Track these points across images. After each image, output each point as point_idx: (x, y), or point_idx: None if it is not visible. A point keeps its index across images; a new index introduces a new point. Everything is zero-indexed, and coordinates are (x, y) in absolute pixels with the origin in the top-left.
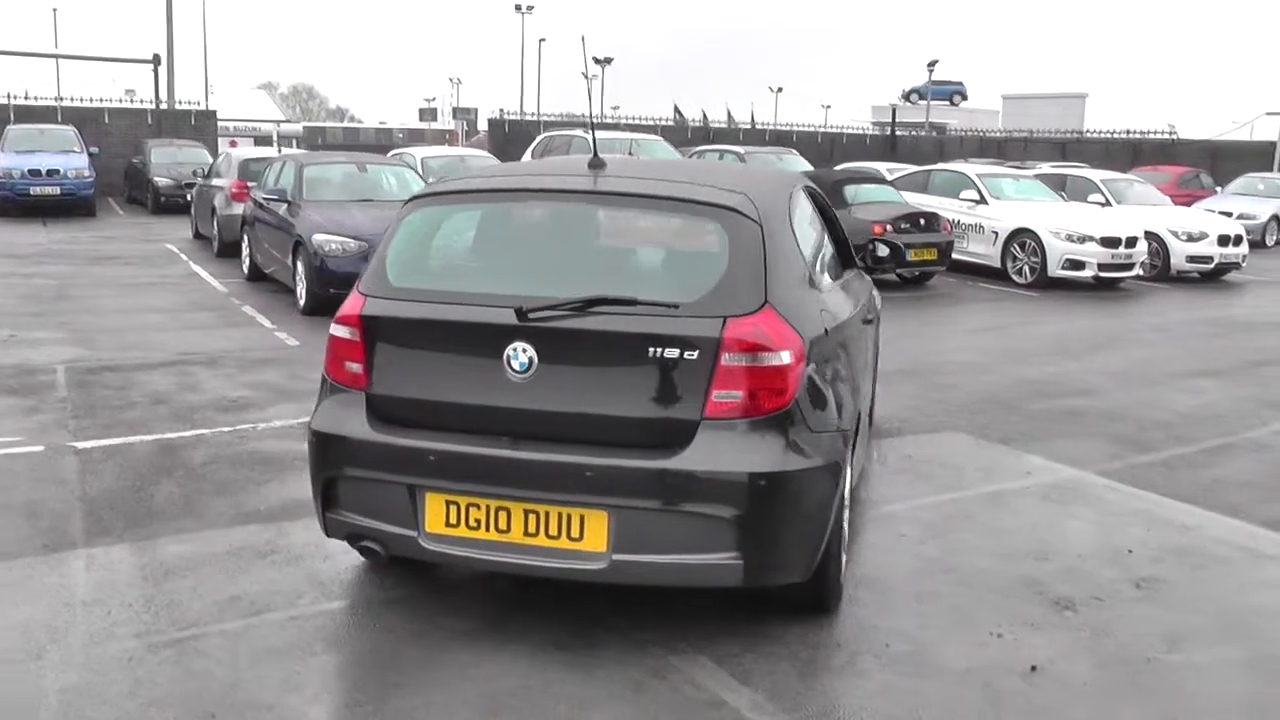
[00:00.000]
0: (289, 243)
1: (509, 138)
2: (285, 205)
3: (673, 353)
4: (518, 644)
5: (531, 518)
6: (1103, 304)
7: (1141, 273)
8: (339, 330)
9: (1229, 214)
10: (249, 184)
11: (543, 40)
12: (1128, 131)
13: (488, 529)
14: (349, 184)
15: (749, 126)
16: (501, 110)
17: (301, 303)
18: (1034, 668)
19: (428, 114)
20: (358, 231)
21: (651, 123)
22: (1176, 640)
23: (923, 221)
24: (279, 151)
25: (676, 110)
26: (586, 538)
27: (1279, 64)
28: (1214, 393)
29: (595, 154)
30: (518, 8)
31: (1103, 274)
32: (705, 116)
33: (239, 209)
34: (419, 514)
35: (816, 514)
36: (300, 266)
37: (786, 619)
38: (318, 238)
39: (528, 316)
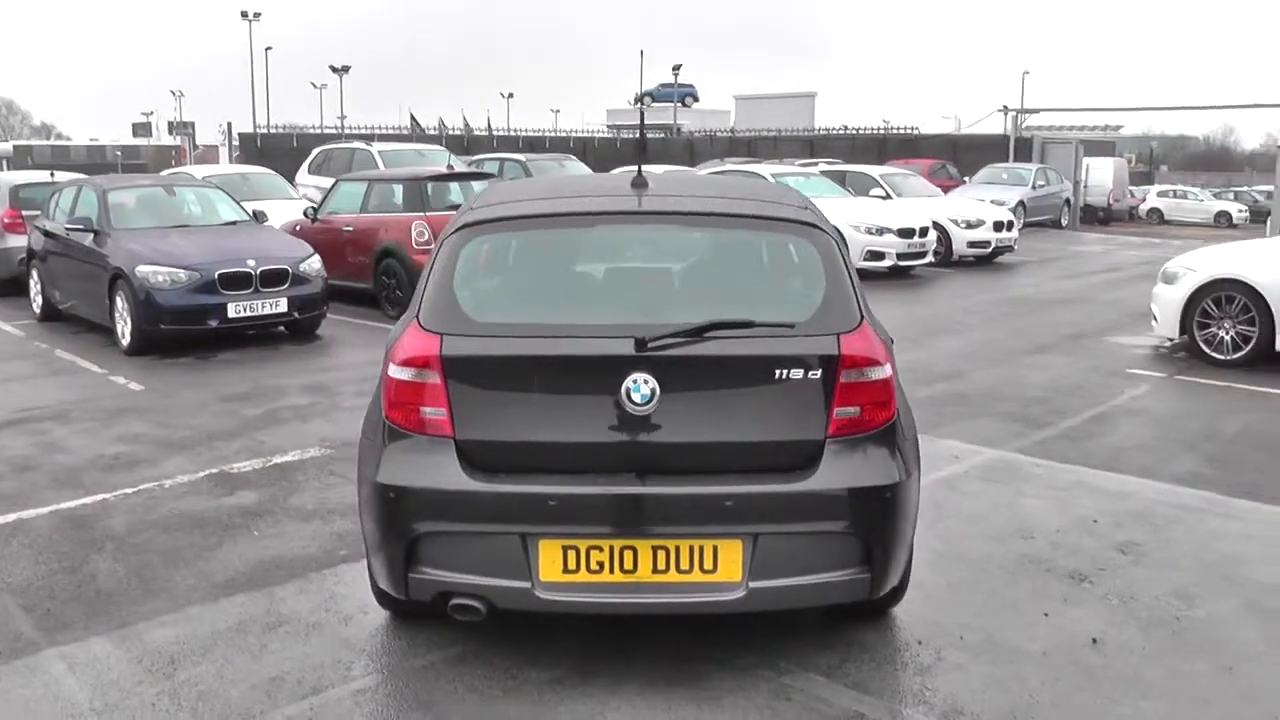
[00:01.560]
0: (103, 276)
1: (263, 151)
2: (92, 235)
3: (796, 373)
4: (624, 686)
5: (661, 554)
6: (907, 292)
7: (932, 260)
8: (406, 374)
9: (982, 201)
10: (24, 213)
11: (269, 49)
12: (873, 128)
13: (612, 571)
14: (159, 209)
15: (486, 133)
16: (229, 123)
17: (125, 342)
18: (1095, 640)
19: (142, 129)
20: (186, 261)
21: (386, 132)
22: (1188, 597)
23: None
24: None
25: (413, 119)
26: (721, 568)
27: (998, 64)
28: (1060, 367)
29: (640, 173)
30: (244, 15)
31: (900, 263)
32: (442, 124)
33: (14, 241)
34: (532, 563)
35: (915, 518)
36: (121, 302)
37: (853, 624)
38: (142, 270)
39: (647, 346)
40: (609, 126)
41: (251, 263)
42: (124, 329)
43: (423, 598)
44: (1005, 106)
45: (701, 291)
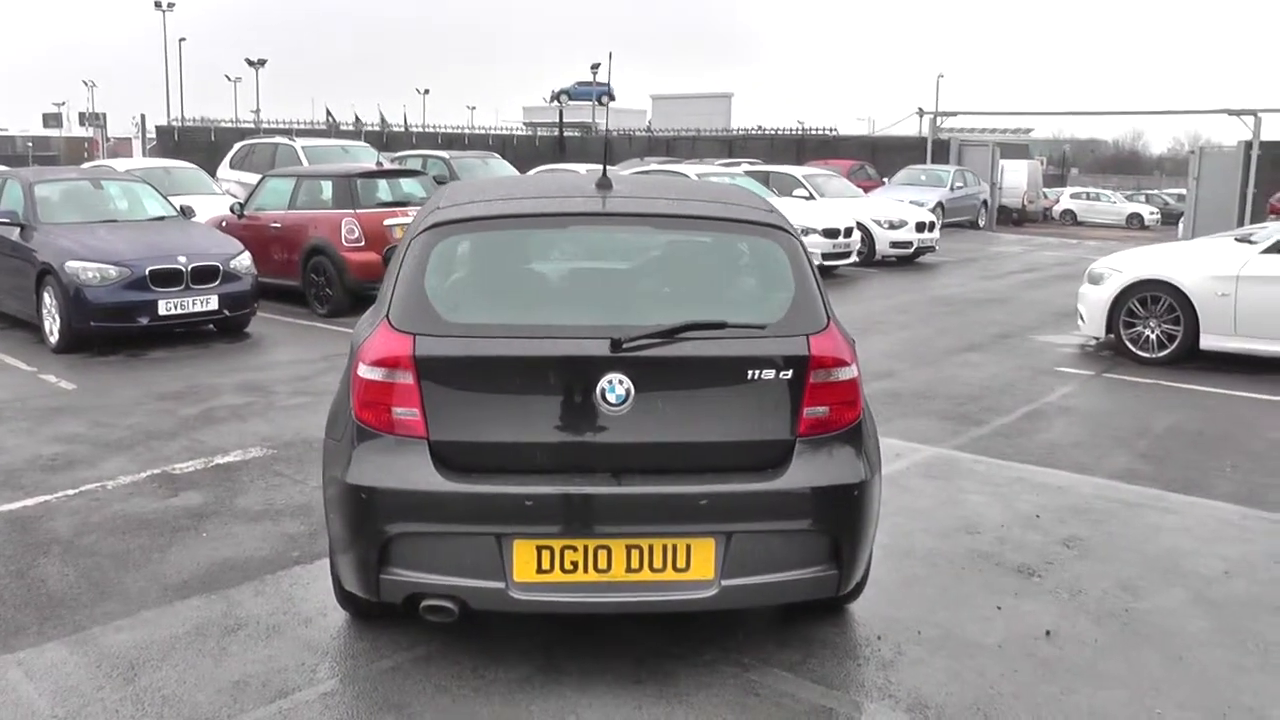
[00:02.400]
0: (30, 272)
1: (180, 145)
2: (18, 230)
3: (768, 373)
4: (593, 685)
5: (635, 553)
6: (833, 291)
7: (856, 260)
8: (375, 374)
9: (902, 202)
10: None
11: (183, 40)
12: (791, 129)
13: (586, 570)
14: (87, 203)
15: (403, 129)
16: (142, 115)
17: (54, 340)
18: (1049, 632)
19: (53, 120)
20: (118, 257)
21: (301, 126)
22: (1133, 590)
23: None
24: None
25: (329, 114)
26: (694, 567)
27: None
28: (989, 365)
29: (604, 174)
30: (158, 5)
31: (825, 263)
32: (358, 119)
33: None
34: (506, 564)
35: (878, 515)
36: (49, 299)
37: (811, 620)
38: (72, 265)
39: (623, 346)
40: (526, 124)
41: (182, 259)
42: (52, 326)
43: (394, 599)
44: (920, 109)
45: (673, 293)
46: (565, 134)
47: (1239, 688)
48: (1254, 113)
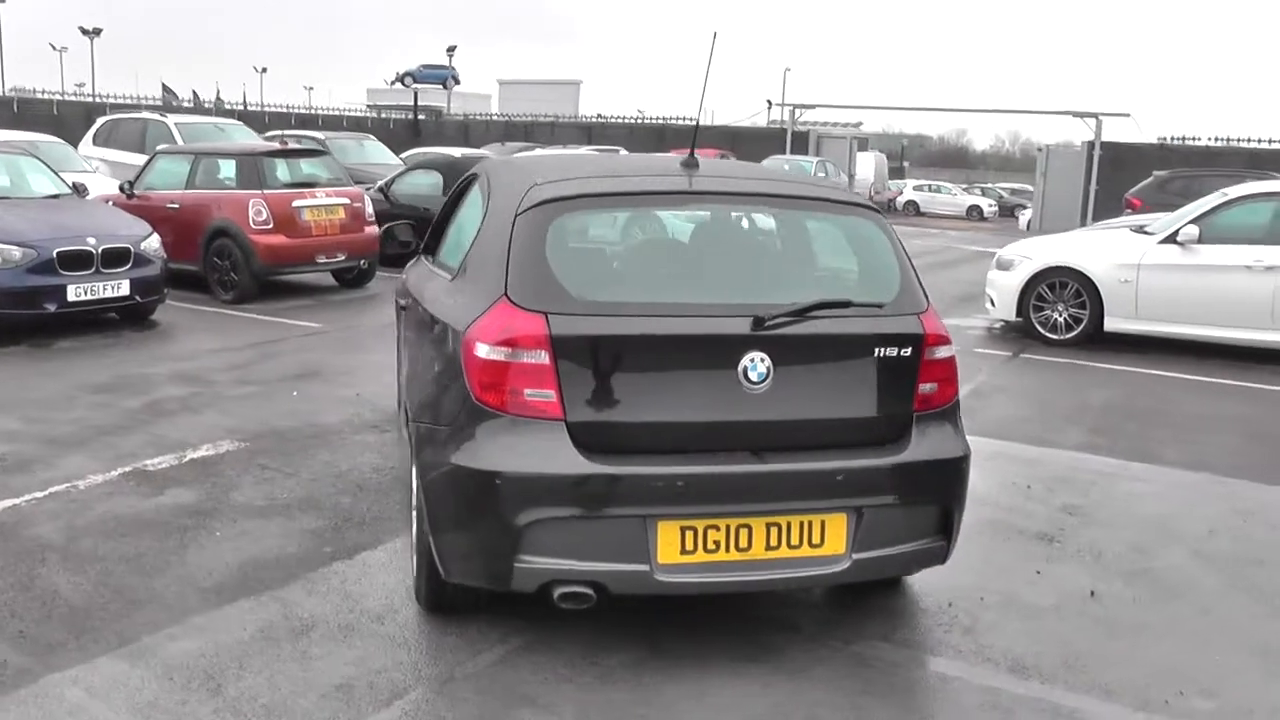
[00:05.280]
0: None
1: (20, 118)
2: None
3: (891, 351)
4: (712, 665)
5: (774, 531)
6: None
7: None
8: (500, 354)
9: None
10: None
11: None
12: (653, 117)
13: (728, 549)
14: None
15: (241, 108)
16: None
17: None
18: (1092, 593)
19: None
20: (20, 237)
21: (135, 101)
22: (1143, 550)
23: None
24: None
25: (165, 89)
26: (828, 542)
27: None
28: None
29: (692, 154)
30: None
31: None
32: (196, 96)
33: None
34: (650, 546)
35: None
36: None
37: (874, 594)
38: None
39: (765, 325)
40: (369, 106)
41: (92, 241)
42: None
43: (526, 588)
44: (770, 101)
45: (792, 271)
46: (419, 117)
47: (1267, 633)
48: (1095, 115)
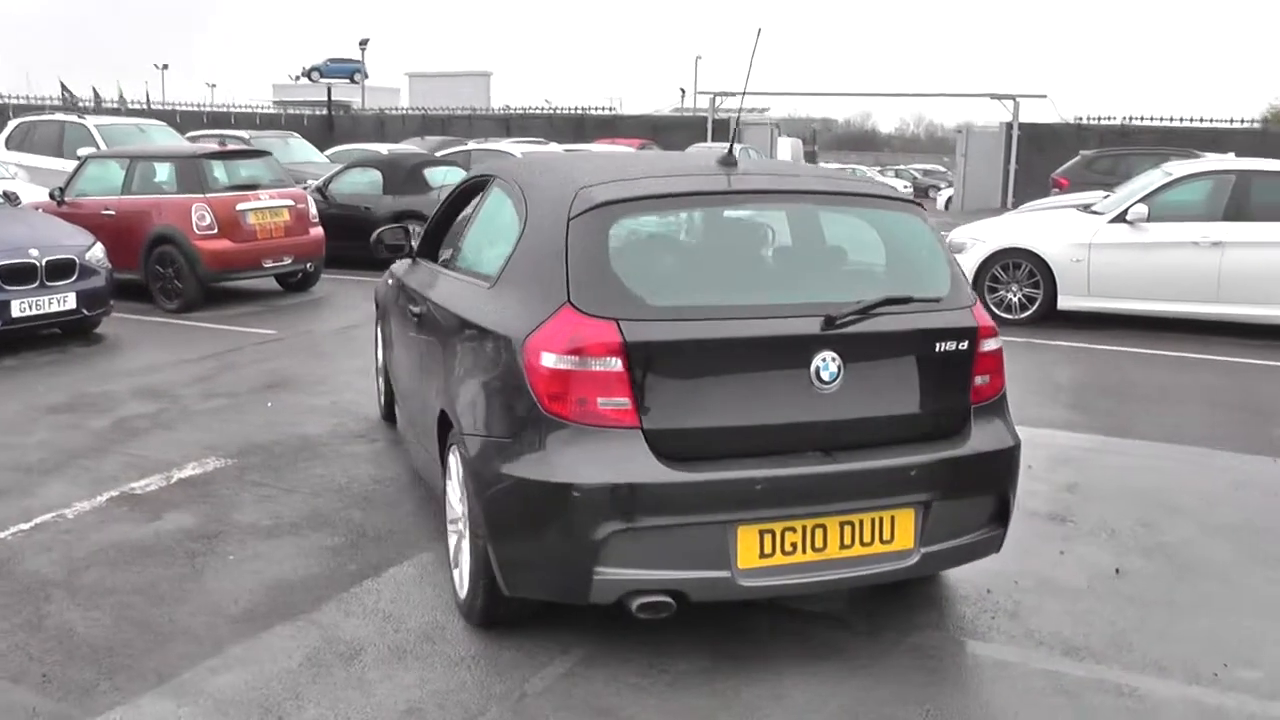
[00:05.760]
0: None
1: None
2: None
3: (950, 345)
4: (781, 667)
5: (847, 529)
6: None
7: None
8: (568, 363)
9: None
10: None
11: None
12: (572, 108)
13: (804, 550)
14: None
15: (144, 107)
16: None
17: None
18: (1118, 570)
19: None
20: None
21: (35, 102)
22: (1153, 526)
23: None
24: None
25: (64, 89)
26: (898, 537)
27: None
28: None
29: (730, 152)
30: None
31: None
32: (97, 95)
33: None
34: (731, 551)
35: None
36: None
37: (916, 582)
38: None
39: (836, 324)
40: (275, 103)
41: (34, 253)
42: None
43: (605, 600)
44: (683, 89)
45: (851, 268)
46: (333, 113)
47: None
48: (1013, 97)
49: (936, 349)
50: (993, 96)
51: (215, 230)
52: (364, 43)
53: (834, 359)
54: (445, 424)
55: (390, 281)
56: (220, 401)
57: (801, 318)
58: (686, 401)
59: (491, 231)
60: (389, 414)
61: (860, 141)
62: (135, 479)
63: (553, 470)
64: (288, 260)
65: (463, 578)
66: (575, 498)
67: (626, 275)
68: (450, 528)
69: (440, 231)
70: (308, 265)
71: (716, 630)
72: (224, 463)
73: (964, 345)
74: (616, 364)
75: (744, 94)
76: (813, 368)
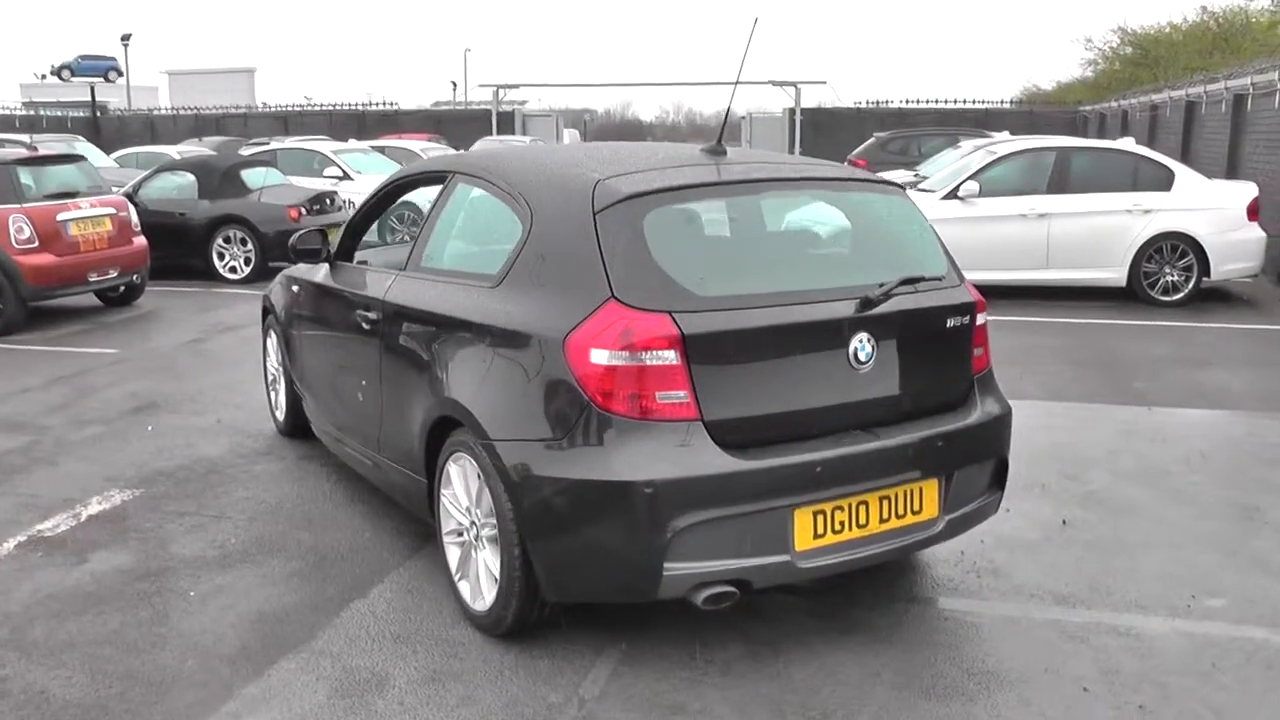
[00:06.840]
0: None
1: None
2: None
3: (957, 320)
4: (817, 647)
5: (885, 503)
6: None
7: None
8: (622, 359)
9: None
10: None
11: None
12: (350, 104)
13: (850, 528)
14: None
15: None
16: None
17: None
18: (1064, 521)
19: None
20: None
21: None
22: (1076, 478)
23: (328, 201)
24: None
25: None
26: (925, 507)
27: (433, 42)
28: None
29: (719, 141)
30: None
31: None
32: None
33: None
34: (789, 535)
35: None
36: None
37: None
38: None
39: (872, 304)
40: (25, 103)
41: None
42: None
43: (674, 595)
44: (454, 82)
45: (867, 251)
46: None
47: (1214, 531)
48: (794, 84)
49: (948, 324)
50: (775, 84)
51: (36, 244)
52: (126, 38)
53: (869, 339)
54: (439, 431)
55: (295, 288)
56: (96, 429)
57: (839, 301)
58: (740, 390)
59: (475, 229)
60: (292, 428)
61: (624, 131)
62: (39, 521)
63: (616, 469)
64: (113, 273)
65: (477, 589)
66: (647, 494)
67: (670, 267)
68: (449, 539)
69: (361, 234)
70: (134, 277)
71: (735, 616)
72: (131, 494)
73: (966, 320)
74: (673, 357)
75: (734, 93)
76: (850, 349)
